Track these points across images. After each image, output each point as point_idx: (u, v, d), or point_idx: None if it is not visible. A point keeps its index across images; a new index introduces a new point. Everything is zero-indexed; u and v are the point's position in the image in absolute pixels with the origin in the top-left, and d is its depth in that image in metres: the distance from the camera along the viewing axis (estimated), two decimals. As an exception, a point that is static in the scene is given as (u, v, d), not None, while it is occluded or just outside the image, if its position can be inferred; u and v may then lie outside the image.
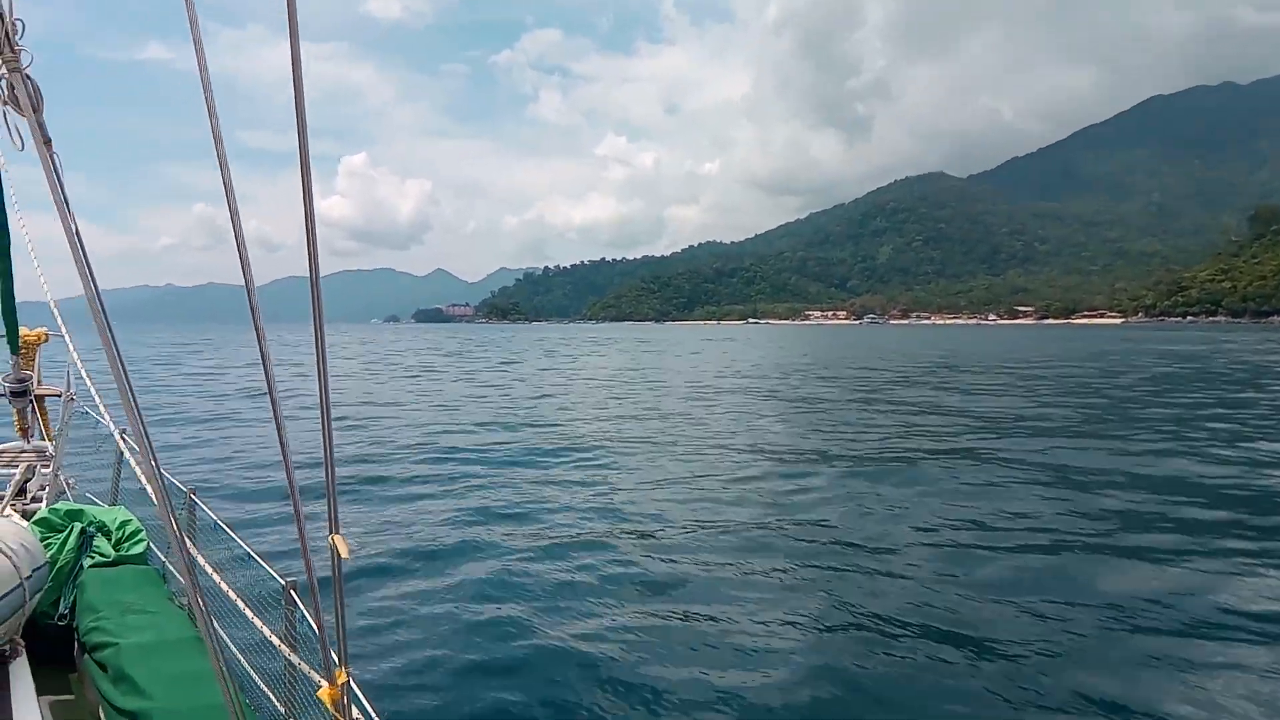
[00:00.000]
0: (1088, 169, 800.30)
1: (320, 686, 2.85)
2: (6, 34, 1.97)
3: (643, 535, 11.77)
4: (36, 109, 1.98)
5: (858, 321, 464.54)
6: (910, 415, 26.05)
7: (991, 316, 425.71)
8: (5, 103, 2.05)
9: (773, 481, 15.60)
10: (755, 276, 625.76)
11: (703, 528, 12.13)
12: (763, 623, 8.36)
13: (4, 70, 1.99)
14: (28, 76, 1.99)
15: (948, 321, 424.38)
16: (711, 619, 8.46)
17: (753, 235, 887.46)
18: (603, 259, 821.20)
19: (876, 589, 9.35)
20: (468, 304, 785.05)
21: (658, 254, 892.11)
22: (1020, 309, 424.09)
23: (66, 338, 6.65)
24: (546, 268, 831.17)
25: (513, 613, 8.64)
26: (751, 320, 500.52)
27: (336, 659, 2.43)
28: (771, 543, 11.31)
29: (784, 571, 10.01)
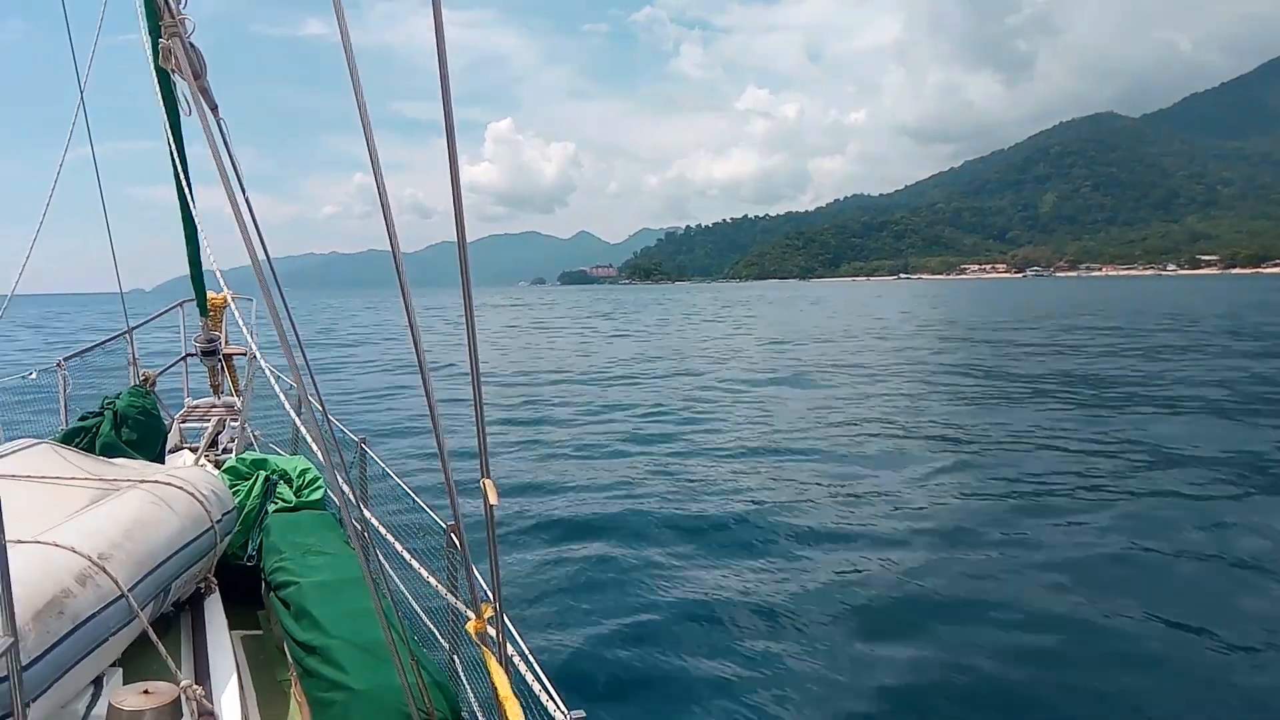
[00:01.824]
0: (1278, 103, 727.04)
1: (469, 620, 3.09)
2: (169, 2, 2.00)
3: (803, 503, 11.49)
4: (199, 75, 2.00)
5: (1019, 275, 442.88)
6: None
7: (1171, 267, 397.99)
8: (173, 70, 2.07)
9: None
10: (906, 230, 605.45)
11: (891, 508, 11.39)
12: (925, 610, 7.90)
13: (168, 38, 2.02)
14: (192, 44, 2.02)
15: (1121, 273, 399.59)
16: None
17: (902, 187, 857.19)
18: (745, 216, 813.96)
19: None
20: (611, 265, 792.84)
21: (801, 209, 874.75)
22: (1203, 258, 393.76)
23: (235, 305, 7.02)
24: (688, 226, 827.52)
25: (660, 570, 8.81)
26: (903, 276, 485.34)
27: (490, 594, 2.58)
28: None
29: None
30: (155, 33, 4.53)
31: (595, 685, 6.46)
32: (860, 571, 8.82)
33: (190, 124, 4.68)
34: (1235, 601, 7.90)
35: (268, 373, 7.99)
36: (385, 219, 1.96)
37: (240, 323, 7.13)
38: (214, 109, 1.99)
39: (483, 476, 2.31)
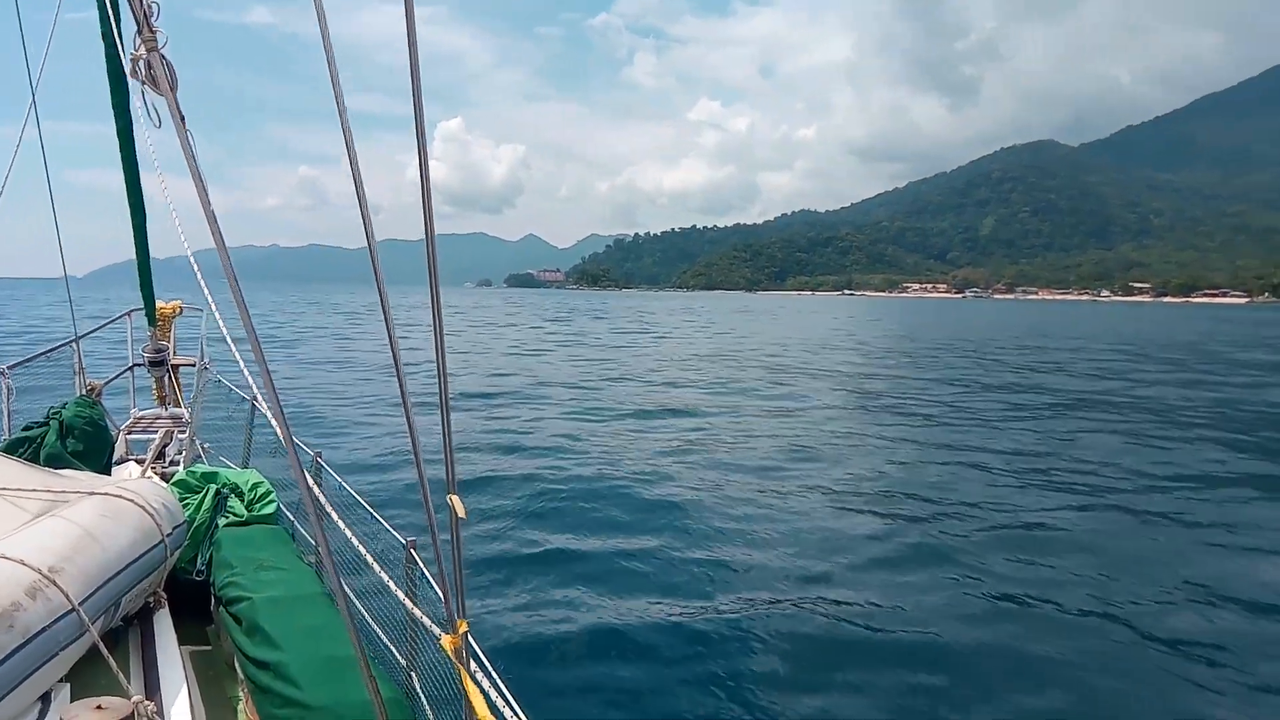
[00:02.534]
0: (1208, 139, 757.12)
1: (438, 638, 3.03)
2: (145, 15, 2.00)
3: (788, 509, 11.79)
4: (173, 87, 1.99)
5: (959, 295, 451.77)
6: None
7: (1104, 293, 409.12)
8: (144, 82, 2.06)
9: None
10: (851, 247, 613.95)
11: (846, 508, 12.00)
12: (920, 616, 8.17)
13: (143, 51, 2.00)
14: (164, 56, 2.01)
15: (1056, 297, 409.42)
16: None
17: (849, 204, 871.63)
18: (694, 226, 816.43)
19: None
20: (559, 269, 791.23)
21: (750, 222, 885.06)
22: (1135, 285, 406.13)
23: (211, 305, 7.66)
24: (637, 234, 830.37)
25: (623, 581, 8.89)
26: (847, 291, 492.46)
27: (457, 609, 2.56)
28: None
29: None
30: (109, 38, 4.61)
31: (559, 701, 6.47)
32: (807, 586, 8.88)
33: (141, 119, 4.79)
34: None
35: (222, 383, 8.09)
36: (365, 225, 1.97)
37: (212, 322, 6.87)
38: (183, 120, 1.99)
39: (449, 490, 2.30)
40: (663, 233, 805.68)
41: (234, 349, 1.72)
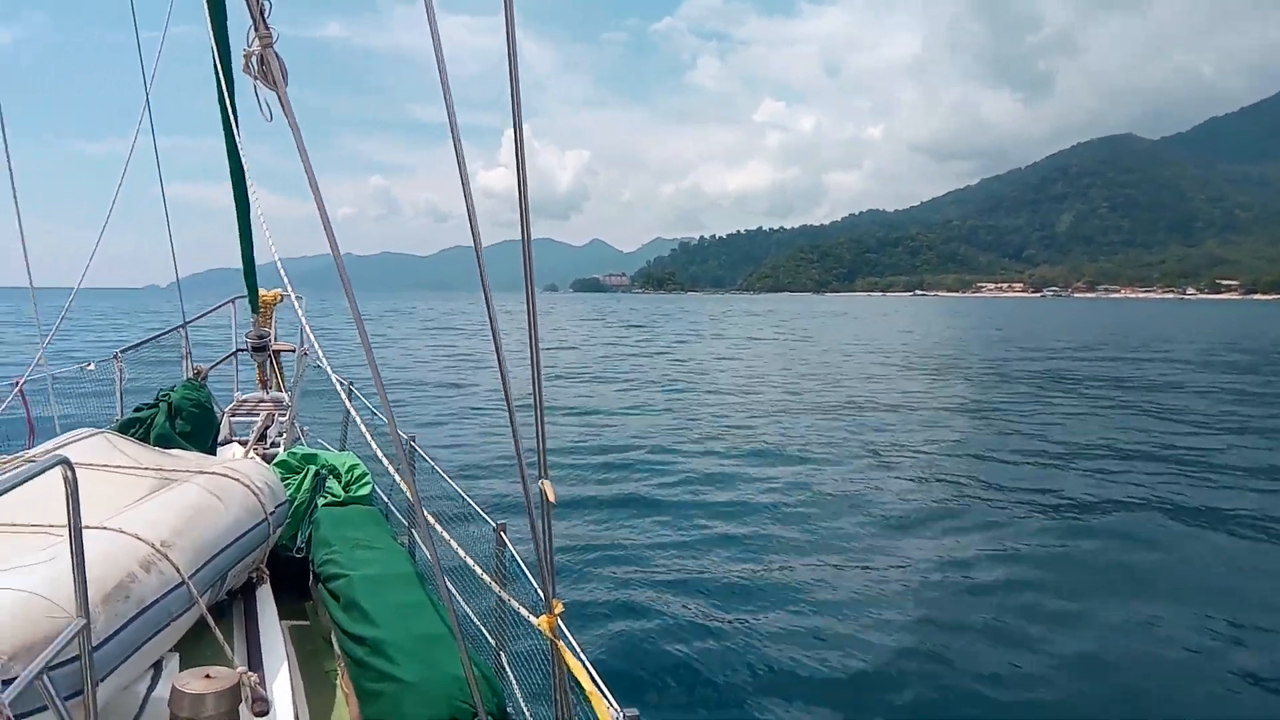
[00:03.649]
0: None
1: (528, 622, 3.15)
2: (261, 13, 2.08)
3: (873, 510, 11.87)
4: (284, 81, 2.10)
5: (1037, 294, 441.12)
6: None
7: (1190, 290, 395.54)
8: (256, 77, 2.14)
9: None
10: (921, 246, 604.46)
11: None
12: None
13: (258, 47, 2.08)
14: (276, 52, 2.09)
15: (1140, 295, 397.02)
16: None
17: (918, 203, 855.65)
18: (759, 228, 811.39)
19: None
20: (623, 273, 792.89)
21: (816, 223, 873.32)
22: (1223, 283, 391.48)
23: (294, 300, 7.57)
24: (701, 237, 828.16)
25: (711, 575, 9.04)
26: (919, 292, 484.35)
27: (543, 594, 2.62)
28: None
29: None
30: (222, 42, 4.80)
31: (647, 685, 6.69)
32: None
33: (247, 126, 5.46)
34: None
35: (321, 368, 8.55)
36: (471, 227, 2.10)
37: (301, 315, 7.31)
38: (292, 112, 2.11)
39: (541, 477, 2.38)
40: (727, 235, 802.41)
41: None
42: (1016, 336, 65.87)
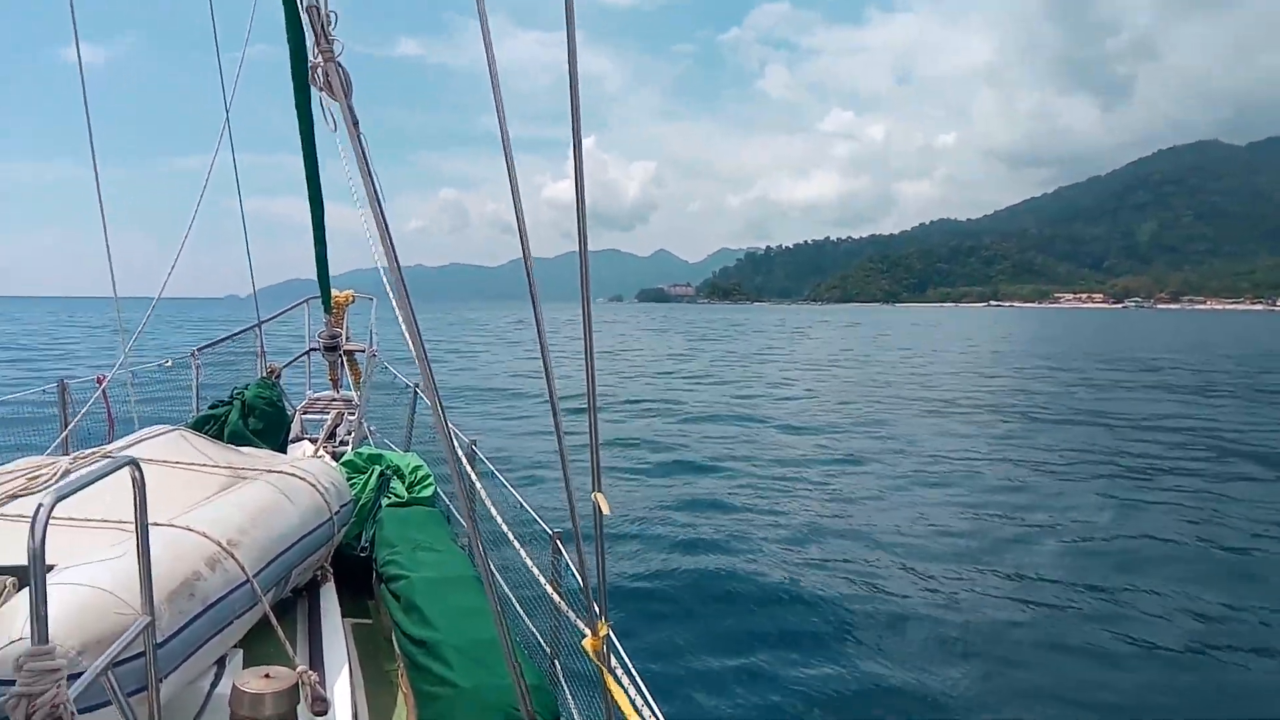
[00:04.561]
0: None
1: (582, 632, 3.12)
2: (324, 26, 2.11)
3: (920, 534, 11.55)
4: (347, 94, 2.15)
5: (1117, 305, 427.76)
6: None
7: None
8: (321, 89, 2.19)
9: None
10: (995, 256, 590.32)
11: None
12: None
13: (321, 60, 2.12)
14: (340, 64, 2.14)
15: (1228, 306, 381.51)
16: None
17: (992, 212, 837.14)
18: (826, 238, 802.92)
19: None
20: (689, 284, 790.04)
21: (885, 232, 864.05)
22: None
23: (394, 301, 7.92)
24: (768, 247, 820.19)
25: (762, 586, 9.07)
26: (993, 303, 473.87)
27: (598, 610, 2.58)
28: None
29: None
30: (298, 55, 5.00)
31: (697, 708, 6.57)
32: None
33: (326, 142, 5.83)
34: None
35: (389, 370, 8.38)
36: (521, 240, 2.19)
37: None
38: (356, 125, 2.16)
39: (594, 489, 2.35)
40: (795, 245, 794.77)
41: (408, 339, 2.13)
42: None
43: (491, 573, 2.50)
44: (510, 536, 4.97)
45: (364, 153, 2.11)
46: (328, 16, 2.13)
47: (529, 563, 4.47)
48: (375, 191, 2.12)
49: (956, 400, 28.43)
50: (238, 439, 6.15)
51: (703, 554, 10.22)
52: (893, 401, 28.00)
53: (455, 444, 2.65)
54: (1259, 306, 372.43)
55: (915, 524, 12.14)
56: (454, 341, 62.00)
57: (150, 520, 2.17)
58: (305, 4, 2.13)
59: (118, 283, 6.97)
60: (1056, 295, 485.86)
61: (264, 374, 8.05)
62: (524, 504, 5.10)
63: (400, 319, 2.24)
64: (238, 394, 6.94)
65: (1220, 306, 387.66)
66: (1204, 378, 38.70)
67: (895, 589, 9.30)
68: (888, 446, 18.94)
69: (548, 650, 4.42)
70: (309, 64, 2.20)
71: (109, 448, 4.18)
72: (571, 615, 3.83)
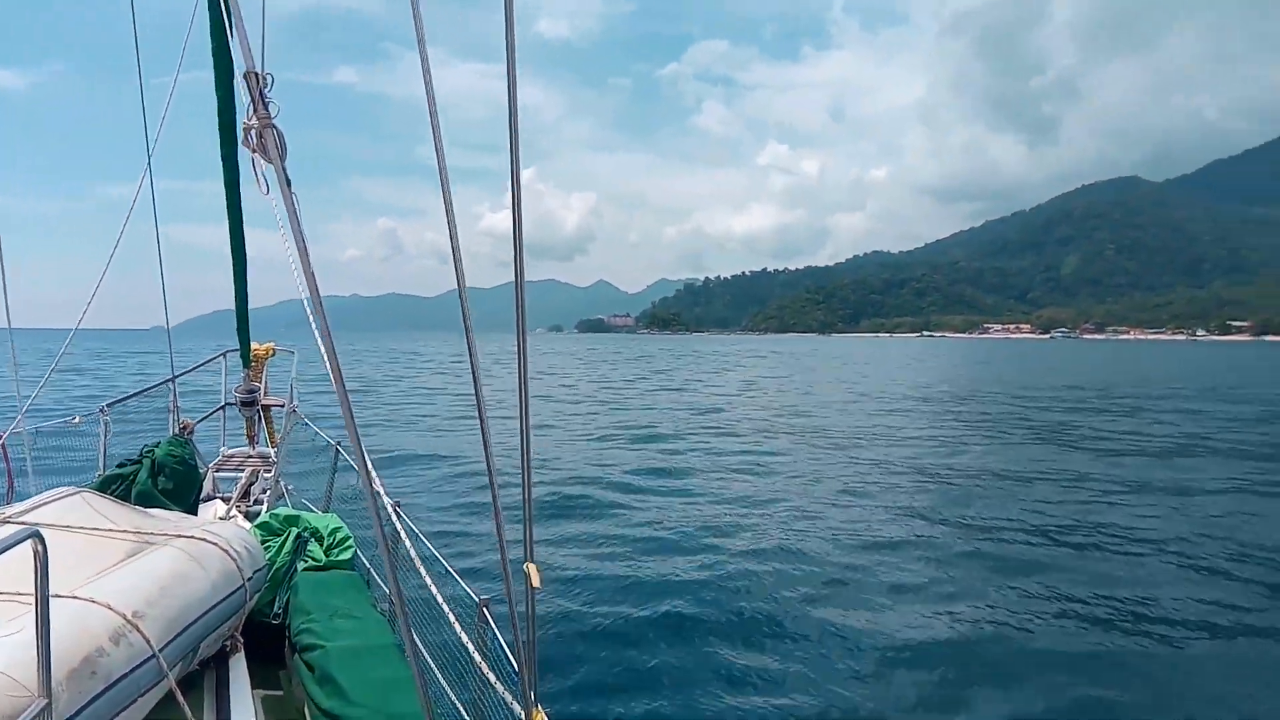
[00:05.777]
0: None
1: (511, 708, 3.02)
2: (260, 91, 2.06)
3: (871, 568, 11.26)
4: (282, 156, 2.10)
5: (1045, 335, 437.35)
6: None
7: (1200, 332, 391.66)
8: (254, 150, 2.16)
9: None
10: (927, 287, 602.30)
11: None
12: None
13: (256, 123, 2.09)
14: (276, 127, 2.10)
15: (1150, 337, 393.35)
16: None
17: (923, 244, 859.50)
18: (763, 269, 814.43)
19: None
20: (628, 314, 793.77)
21: (821, 264, 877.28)
22: (1233, 324, 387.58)
23: (326, 347, 7.78)
24: (706, 278, 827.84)
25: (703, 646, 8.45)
26: (926, 333, 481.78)
27: (530, 682, 2.45)
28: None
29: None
30: (226, 109, 5.02)
31: None
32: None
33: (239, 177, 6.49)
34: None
35: (309, 426, 8.24)
36: (456, 270, 2.09)
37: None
38: (289, 185, 2.09)
39: (527, 559, 2.21)
40: (732, 276, 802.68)
41: (334, 385, 1.66)
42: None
43: (414, 641, 2.39)
44: (439, 599, 4.43)
45: (295, 211, 2.04)
46: (265, 79, 2.07)
47: (457, 629, 4.10)
48: (304, 247, 2.01)
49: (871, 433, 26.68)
50: (146, 500, 5.84)
51: (635, 603, 9.53)
52: (800, 434, 26.69)
53: (378, 502, 2.50)
54: (1180, 336, 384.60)
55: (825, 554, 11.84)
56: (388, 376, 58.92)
57: (51, 592, 2.05)
58: (243, 70, 2.04)
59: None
60: (986, 325, 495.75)
61: (177, 430, 7.65)
62: (450, 568, 4.83)
63: (328, 368, 2.09)
64: (147, 452, 6.53)
65: (1143, 336, 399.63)
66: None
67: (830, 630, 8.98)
68: (796, 475, 18.56)
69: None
70: (244, 124, 2.14)
71: (8, 511, 3.84)
72: (500, 688, 3.46)
